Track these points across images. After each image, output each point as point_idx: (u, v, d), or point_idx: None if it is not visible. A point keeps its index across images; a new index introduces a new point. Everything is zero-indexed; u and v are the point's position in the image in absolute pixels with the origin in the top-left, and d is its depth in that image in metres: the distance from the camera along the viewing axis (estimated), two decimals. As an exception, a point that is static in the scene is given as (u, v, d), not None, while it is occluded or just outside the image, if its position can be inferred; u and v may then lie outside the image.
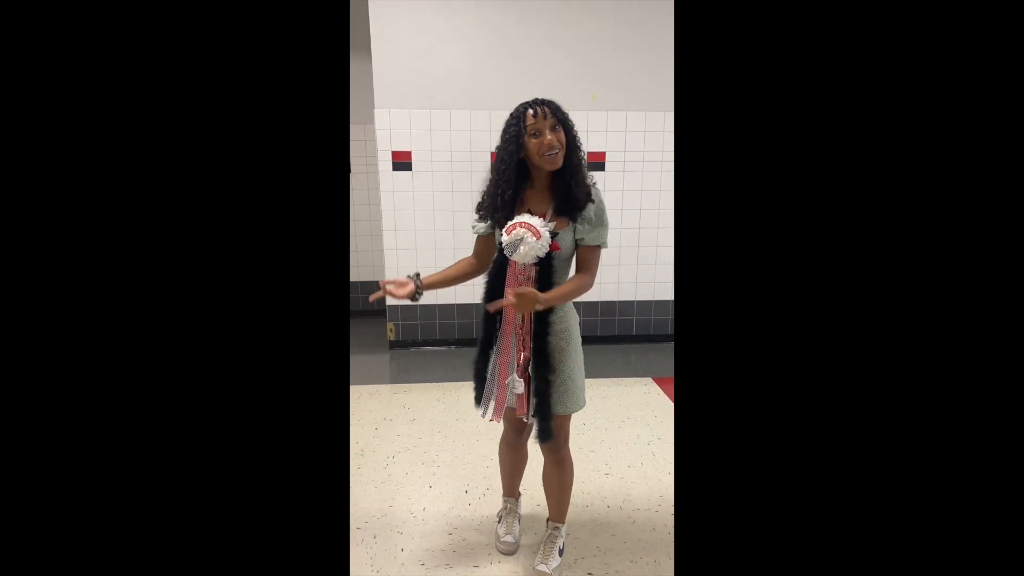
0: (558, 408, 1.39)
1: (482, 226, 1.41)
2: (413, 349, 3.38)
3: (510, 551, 1.61)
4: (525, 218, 1.29)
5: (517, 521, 1.68)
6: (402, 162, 3.17)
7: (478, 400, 1.47)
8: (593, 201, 1.32)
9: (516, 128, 1.29)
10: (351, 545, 1.64)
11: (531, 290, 1.25)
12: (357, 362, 3.20)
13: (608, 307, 3.38)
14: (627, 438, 2.27)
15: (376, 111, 3.10)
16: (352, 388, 2.80)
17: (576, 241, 1.33)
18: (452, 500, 1.87)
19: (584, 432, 2.30)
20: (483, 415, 1.46)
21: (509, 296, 1.26)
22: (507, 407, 1.43)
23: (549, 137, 1.26)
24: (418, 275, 1.41)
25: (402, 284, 1.37)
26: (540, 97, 1.31)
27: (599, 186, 1.36)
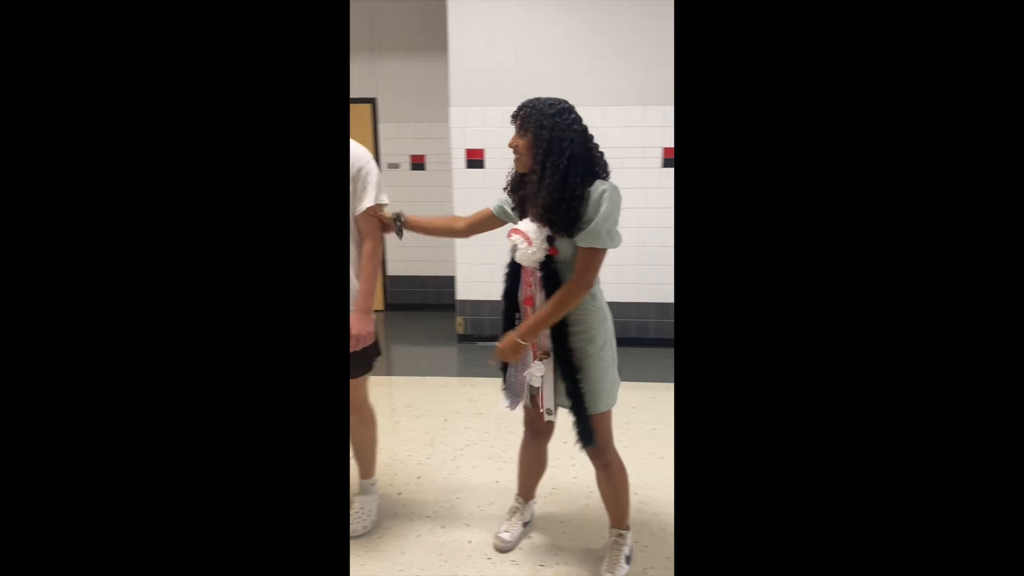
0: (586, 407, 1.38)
1: (497, 205, 1.48)
2: (480, 344, 3.43)
3: (502, 548, 1.61)
4: (523, 224, 1.31)
5: (521, 523, 1.67)
6: (475, 160, 3.21)
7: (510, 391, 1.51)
8: (578, 204, 1.24)
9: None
10: (418, 533, 1.69)
11: (509, 338, 1.34)
12: (426, 354, 3.29)
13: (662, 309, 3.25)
14: (700, 446, 2.18)
15: (451, 109, 3.16)
16: (421, 379, 2.89)
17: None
18: (518, 497, 1.88)
19: (655, 437, 2.23)
20: (505, 405, 1.49)
21: (497, 348, 1.37)
22: (527, 407, 1.47)
23: (511, 142, 1.32)
24: (399, 215, 1.53)
25: (384, 220, 1.53)
26: (532, 98, 1.30)
27: (619, 183, 1.30)
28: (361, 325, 1.46)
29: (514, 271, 1.41)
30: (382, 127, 3.98)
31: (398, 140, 3.98)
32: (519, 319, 1.43)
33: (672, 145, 3.07)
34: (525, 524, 1.69)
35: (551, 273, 1.30)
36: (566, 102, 1.30)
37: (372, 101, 3.94)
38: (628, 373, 2.92)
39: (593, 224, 1.23)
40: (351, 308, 1.46)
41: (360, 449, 1.72)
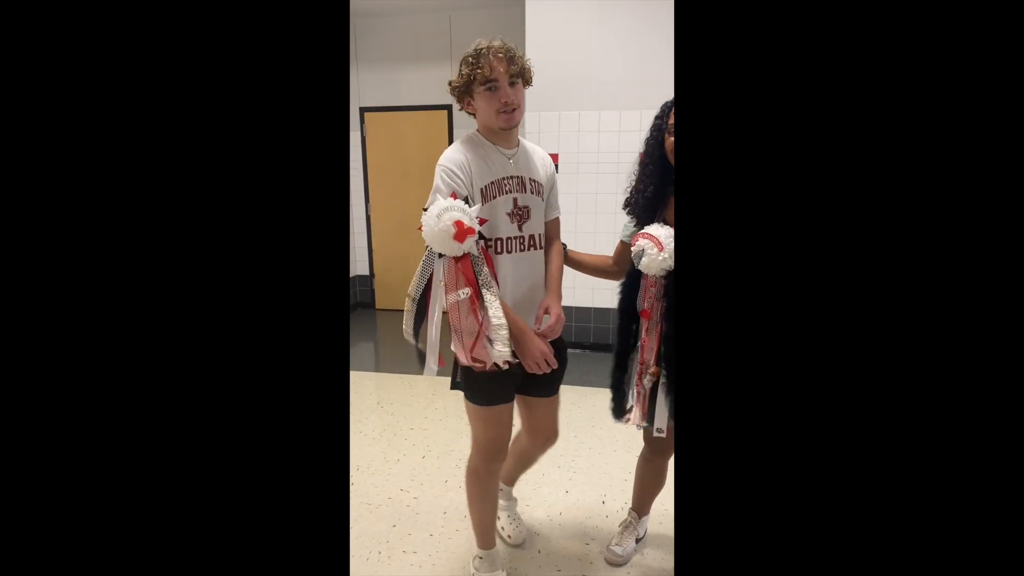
0: None
1: (629, 231, 1.36)
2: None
3: (613, 562, 1.57)
4: (652, 229, 1.22)
5: (634, 539, 1.62)
6: (548, 164, 3.20)
7: (617, 413, 1.39)
8: None
9: (660, 123, 1.25)
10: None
11: None
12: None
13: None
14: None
15: (526, 114, 3.17)
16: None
17: None
18: (589, 509, 1.84)
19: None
20: (626, 421, 1.39)
21: None
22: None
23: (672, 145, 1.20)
24: (564, 245, 1.45)
25: None
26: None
27: None
28: (560, 308, 1.29)
29: (633, 280, 1.30)
30: (457, 132, 4.07)
31: (471, 145, 4.05)
32: (635, 331, 1.33)
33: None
34: (638, 540, 1.64)
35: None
36: None
37: (448, 108, 4.03)
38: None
39: None
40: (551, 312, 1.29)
41: (527, 464, 1.63)
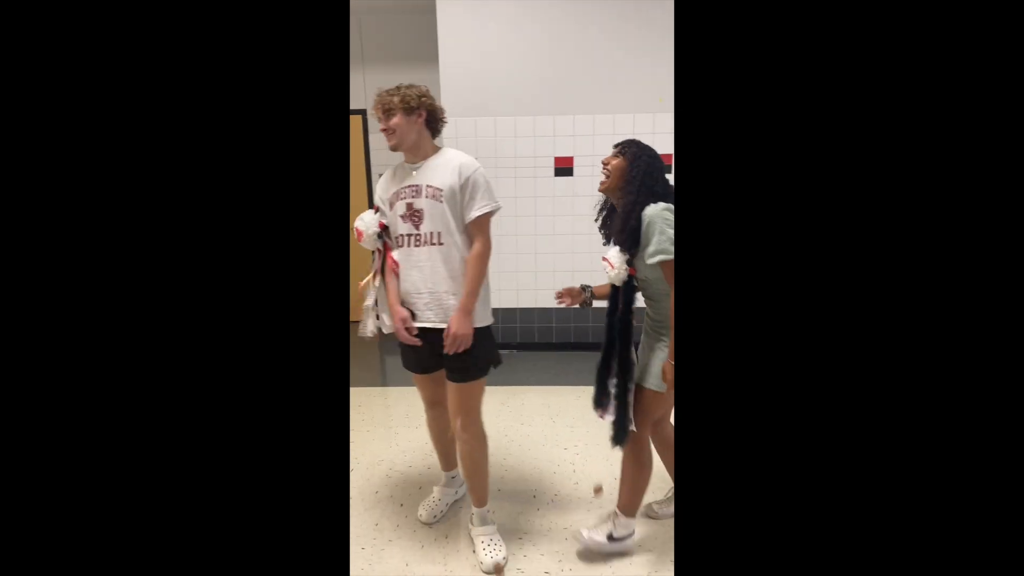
0: (639, 379, 1.47)
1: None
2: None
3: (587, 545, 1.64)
4: (607, 251, 1.46)
5: (606, 535, 1.61)
6: (467, 169, 3.23)
7: (597, 402, 1.53)
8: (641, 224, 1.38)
9: None
10: (423, 540, 1.68)
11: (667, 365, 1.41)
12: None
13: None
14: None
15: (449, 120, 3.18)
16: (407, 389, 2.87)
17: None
18: (521, 505, 1.88)
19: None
20: (601, 416, 1.53)
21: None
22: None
23: (604, 159, 1.45)
24: (587, 287, 1.66)
25: (575, 293, 1.64)
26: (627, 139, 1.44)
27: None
28: (460, 326, 1.45)
29: (615, 292, 1.49)
30: (373, 138, 3.99)
31: (388, 151, 3.98)
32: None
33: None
34: (610, 537, 1.61)
35: (630, 290, 1.45)
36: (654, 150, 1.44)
37: (363, 112, 3.94)
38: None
39: (649, 241, 1.36)
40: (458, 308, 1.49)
41: (472, 474, 1.63)
